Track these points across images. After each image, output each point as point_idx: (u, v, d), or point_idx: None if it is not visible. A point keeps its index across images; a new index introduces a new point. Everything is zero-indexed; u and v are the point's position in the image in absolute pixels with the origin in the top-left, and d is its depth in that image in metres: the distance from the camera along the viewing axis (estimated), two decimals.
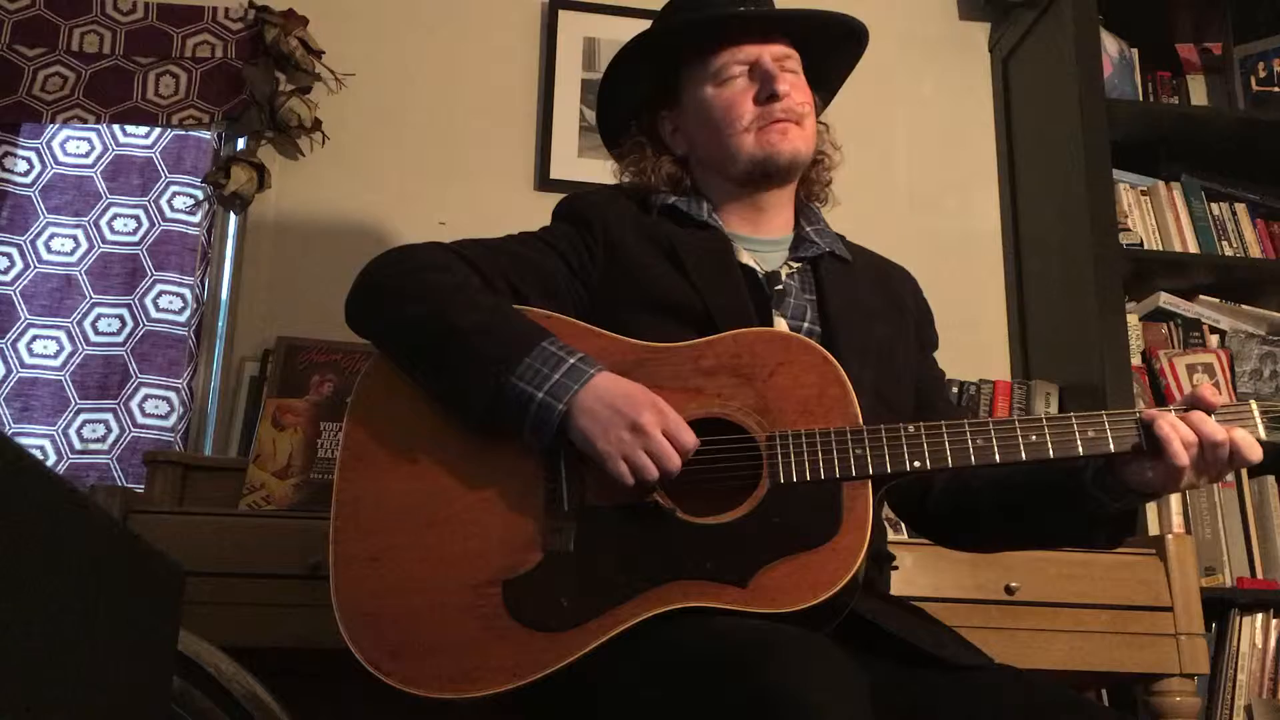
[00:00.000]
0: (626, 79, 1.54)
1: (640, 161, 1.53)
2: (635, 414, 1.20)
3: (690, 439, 1.21)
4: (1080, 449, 1.24)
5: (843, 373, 1.27)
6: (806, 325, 1.43)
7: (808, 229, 1.51)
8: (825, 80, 1.58)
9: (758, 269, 1.45)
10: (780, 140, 1.44)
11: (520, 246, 1.44)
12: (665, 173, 1.52)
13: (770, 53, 1.47)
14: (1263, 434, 1.23)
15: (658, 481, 1.20)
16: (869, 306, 1.48)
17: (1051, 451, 1.23)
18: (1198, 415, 1.22)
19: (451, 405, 1.29)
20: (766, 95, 1.44)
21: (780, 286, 1.44)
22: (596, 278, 1.43)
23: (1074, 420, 1.24)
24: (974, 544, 1.58)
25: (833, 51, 1.55)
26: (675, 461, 1.20)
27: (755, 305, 1.40)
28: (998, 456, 1.24)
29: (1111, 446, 1.24)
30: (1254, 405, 1.25)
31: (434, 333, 1.28)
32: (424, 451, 1.28)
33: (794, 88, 1.46)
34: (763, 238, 1.50)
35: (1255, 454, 1.21)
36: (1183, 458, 1.20)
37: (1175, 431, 1.20)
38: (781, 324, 1.41)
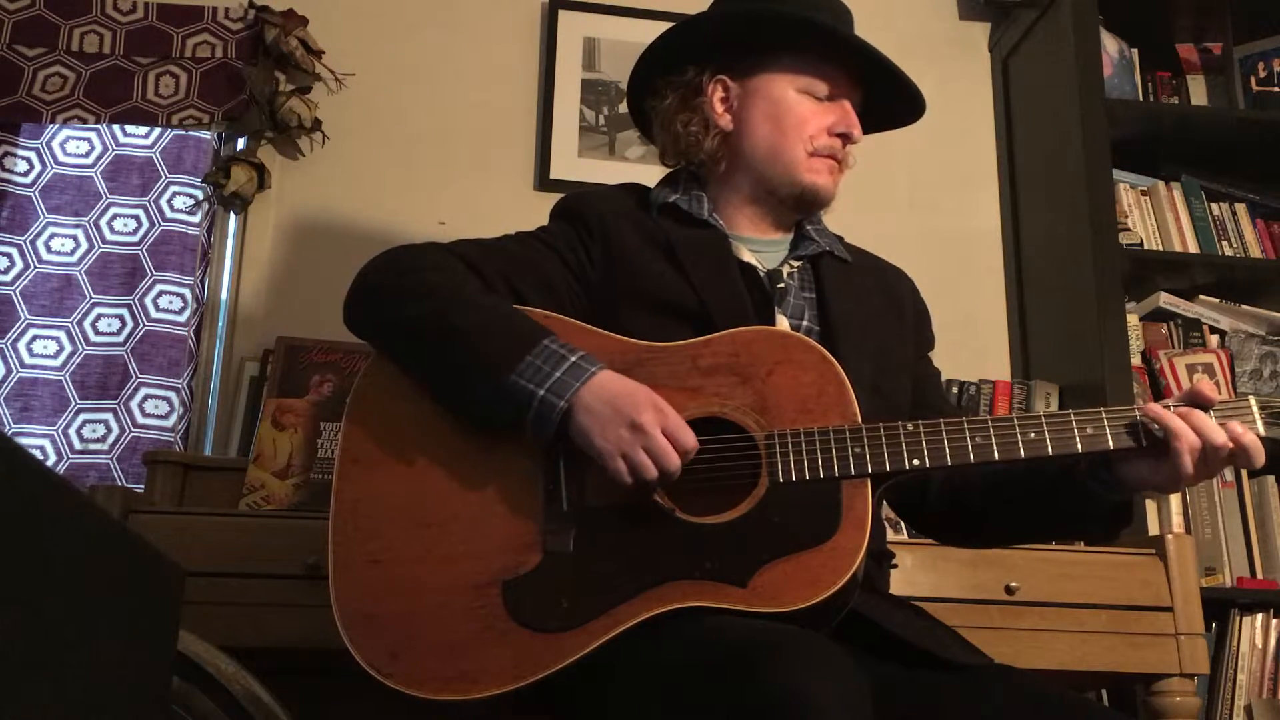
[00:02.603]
0: (718, 26, 1.49)
1: (694, 124, 1.49)
2: (635, 413, 1.20)
3: (690, 440, 1.21)
4: (1079, 446, 1.24)
5: (841, 371, 1.28)
6: (805, 324, 1.43)
7: (808, 228, 1.52)
8: None
9: (759, 267, 1.45)
10: (827, 177, 1.47)
11: (518, 246, 1.44)
12: (714, 145, 1.49)
13: (854, 97, 1.49)
14: (1261, 430, 1.24)
15: (656, 482, 1.20)
16: (868, 305, 1.48)
17: (1050, 449, 1.24)
18: (1199, 417, 1.22)
19: (452, 405, 1.29)
20: (842, 132, 1.47)
21: (781, 285, 1.44)
22: (595, 277, 1.43)
23: (1073, 418, 1.25)
24: (972, 540, 1.58)
25: (874, 116, 1.55)
26: (674, 461, 1.19)
27: (756, 303, 1.41)
28: (997, 454, 1.24)
29: (1110, 444, 1.24)
30: (1253, 401, 1.25)
31: (434, 332, 1.28)
32: (423, 452, 1.28)
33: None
34: (764, 238, 1.50)
35: (1259, 459, 1.21)
36: (1188, 461, 1.20)
37: (1184, 441, 1.20)
38: (783, 322, 1.41)
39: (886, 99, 1.53)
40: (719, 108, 1.49)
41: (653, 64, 1.53)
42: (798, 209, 1.50)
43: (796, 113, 1.46)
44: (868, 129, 1.54)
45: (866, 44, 1.47)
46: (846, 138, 1.47)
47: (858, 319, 1.44)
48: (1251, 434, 1.22)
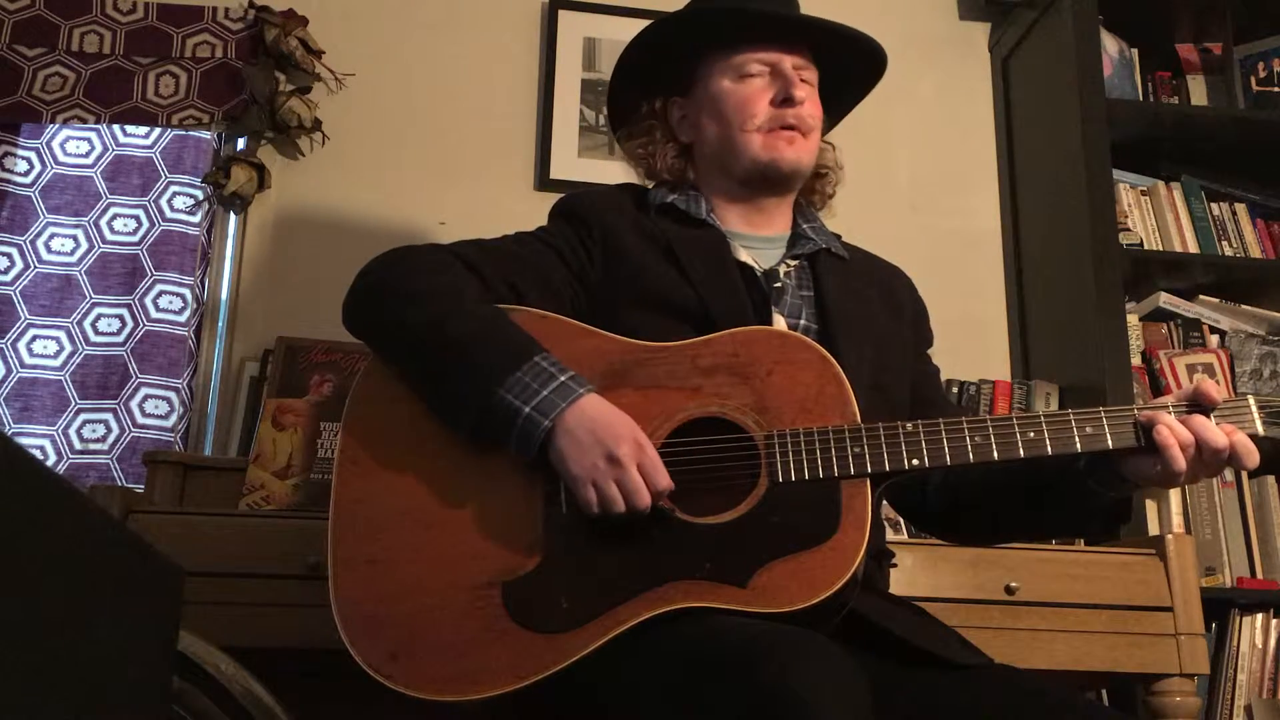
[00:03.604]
0: (645, 59, 1.54)
1: (649, 145, 1.54)
2: (614, 444, 1.19)
3: (664, 481, 1.20)
4: (1078, 446, 1.24)
5: (840, 371, 1.28)
6: (803, 322, 1.43)
7: (804, 226, 1.52)
8: (835, 102, 1.59)
9: (756, 266, 1.45)
10: (786, 149, 1.46)
11: (518, 246, 1.44)
12: (670, 160, 1.53)
13: (792, 60, 1.48)
14: (1260, 430, 1.24)
15: (623, 516, 1.19)
16: (866, 302, 1.48)
17: (1050, 448, 1.24)
18: (1199, 421, 1.22)
19: (441, 414, 1.28)
20: (783, 98, 1.46)
21: (779, 284, 1.44)
22: (595, 277, 1.43)
23: (1072, 417, 1.25)
24: (971, 538, 1.59)
25: (849, 72, 1.56)
26: (644, 499, 1.19)
27: (754, 303, 1.41)
28: (996, 454, 1.24)
29: (1110, 443, 1.24)
30: (1251, 401, 1.25)
31: (429, 340, 1.28)
32: (422, 453, 1.28)
33: (809, 99, 1.48)
34: (759, 235, 1.50)
35: (1253, 460, 1.22)
36: (1181, 463, 1.21)
37: (1174, 436, 1.21)
38: (780, 321, 1.41)
39: (845, 62, 1.54)
40: (679, 127, 1.54)
41: (618, 103, 1.59)
42: (769, 187, 1.49)
43: (733, 101, 1.47)
44: (845, 100, 1.57)
45: (770, 7, 1.47)
46: (789, 101, 1.46)
47: (856, 316, 1.45)
48: (1242, 435, 1.22)
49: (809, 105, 1.48)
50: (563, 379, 1.23)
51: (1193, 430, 1.21)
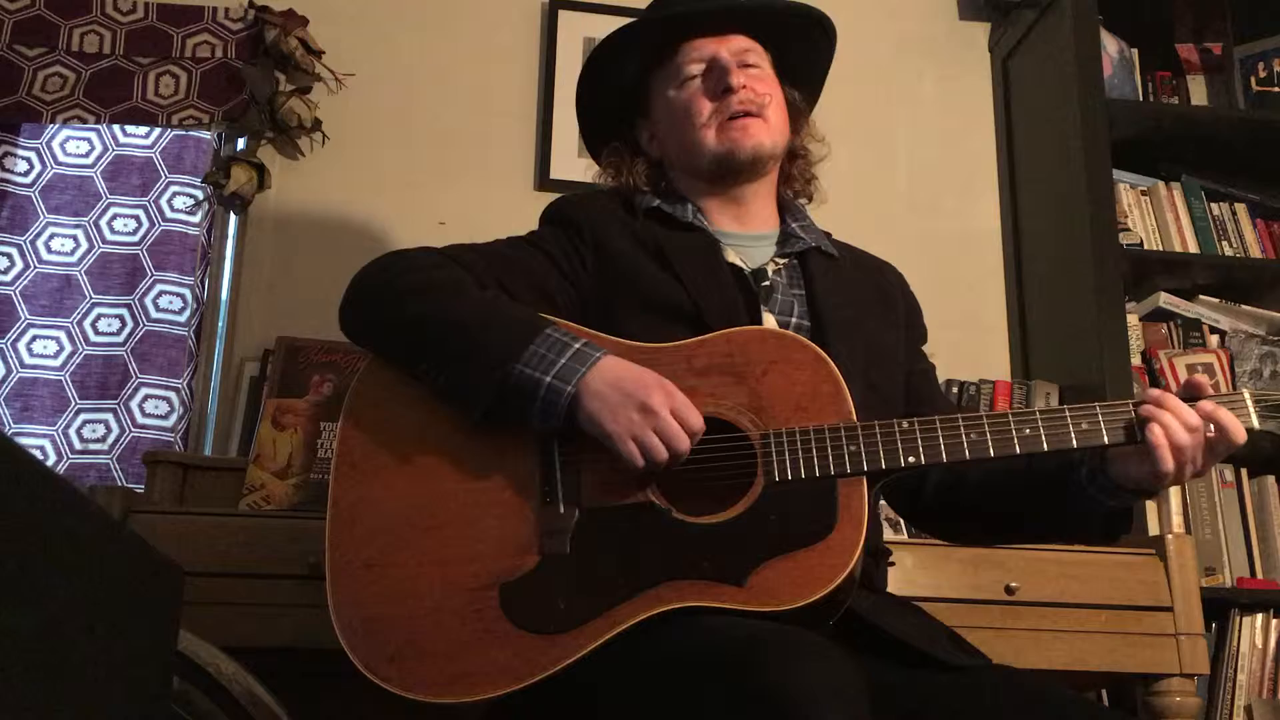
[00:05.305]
0: (599, 91, 1.57)
1: (618, 165, 1.56)
2: (644, 395, 1.20)
3: (697, 421, 1.22)
4: (1074, 441, 1.24)
5: (836, 370, 1.28)
6: (795, 320, 1.43)
7: (793, 225, 1.52)
8: (801, 75, 1.58)
9: (743, 266, 1.45)
10: (741, 136, 1.46)
11: (510, 250, 1.44)
12: (642, 174, 1.54)
13: (728, 48, 1.49)
14: (1255, 423, 1.24)
15: (667, 464, 1.20)
16: (858, 298, 1.48)
17: (1045, 444, 1.24)
18: (1173, 400, 1.23)
19: (456, 401, 1.28)
20: (721, 89, 1.46)
21: (767, 283, 1.44)
22: (588, 280, 1.44)
23: (1068, 413, 1.25)
24: (969, 538, 1.58)
25: (799, 42, 1.56)
26: (684, 443, 1.20)
27: (744, 303, 1.41)
28: (992, 450, 1.24)
29: (1105, 438, 1.24)
30: (1246, 394, 1.26)
31: (435, 328, 1.28)
32: (419, 455, 1.28)
33: (752, 80, 1.48)
34: (748, 233, 1.51)
35: (1237, 435, 1.21)
36: (1165, 447, 1.20)
37: (1160, 424, 1.21)
38: (770, 320, 1.41)
39: (790, 31, 1.54)
40: (650, 146, 1.56)
41: (587, 137, 1.62)
42: (738, 175, 1.49)
43: (680, 107, 1.49)
44: (815, 71, 1.58)
45: (680, 8, 1.49)
46: (728, 90, 1.46)
47: (848, 313, 1.45)
48: (1224, 410, 1.22)
49: (750, 88, 1.47)
50: (577, 345, 1.24)
51: (1168, 408, 1.22)
